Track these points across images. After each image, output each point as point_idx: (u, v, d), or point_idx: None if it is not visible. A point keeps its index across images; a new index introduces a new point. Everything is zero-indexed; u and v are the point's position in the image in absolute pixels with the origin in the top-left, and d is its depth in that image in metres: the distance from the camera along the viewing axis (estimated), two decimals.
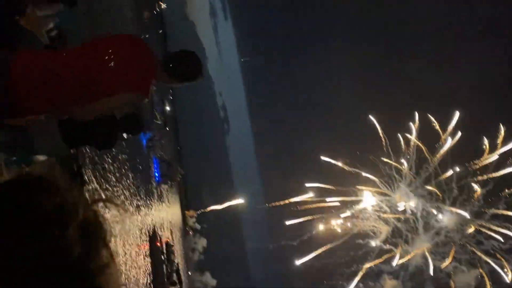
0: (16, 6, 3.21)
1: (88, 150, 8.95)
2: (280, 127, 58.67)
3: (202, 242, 47.41)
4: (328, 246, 35.50)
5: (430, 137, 31.11)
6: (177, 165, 47.70)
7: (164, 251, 22.10)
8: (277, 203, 38.96)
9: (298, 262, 37.42)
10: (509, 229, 28.85)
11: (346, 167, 34.00)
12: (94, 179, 9.73)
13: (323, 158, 35.33)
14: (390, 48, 42.44)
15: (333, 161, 34.75)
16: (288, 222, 39.31)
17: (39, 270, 0.45)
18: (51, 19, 3.90)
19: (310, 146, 46.09)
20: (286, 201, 37.89)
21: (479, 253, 29.89)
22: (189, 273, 41.43)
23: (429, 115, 30.60)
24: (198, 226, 48.85)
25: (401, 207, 32.63)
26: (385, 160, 32.37)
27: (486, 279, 29.55)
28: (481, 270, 29.75)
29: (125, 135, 3.87)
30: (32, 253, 0.45)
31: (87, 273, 0.50)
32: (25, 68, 2.30)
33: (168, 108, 44.61)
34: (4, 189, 0.53)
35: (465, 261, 30.43)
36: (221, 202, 55.67)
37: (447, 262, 30.62)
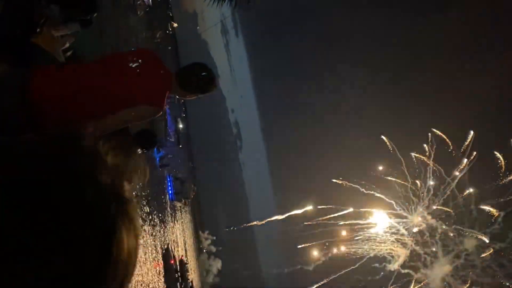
0: (33, 26, 3.28)
1: None
2: (294, 143, 58.57)
3: (217, 264, 46.79)
4: (344, 270, 34.84)
5: (445, 158, 30.63)
6: (191, 183, 47.79)
7: (178, 268, 22.00)
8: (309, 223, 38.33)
9: None
10: None
11: (362, 189, 33.61)
12: None
13: (334, 180, 35.02)
14: (402, 68, 42.12)
15: (346, 183, 34.38)
16: (299, 246, 39.09)
17: (79, 190, 0.50)
18: (68, 39, 3.98)
19: (324, 163, 45.85)
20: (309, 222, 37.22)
21: (501, 277, 29.02)
22: None
23: (443, 135, 30.24)
24: (213, 249, 48.35)
25: (418, 230, 32.04)
26: (398, 180, 32.02)
27: None
28: None
29: (139, 151, 3.88)
30: (73, 179, 0.50)
31: (120, 198, 0.54)
32: (42, 83, 2.35)
33: (181, 125, 44.94)
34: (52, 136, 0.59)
35: (487, 285, 29.54)
36: (234, 218, 55.35)
37: (466, 286, 29.80)
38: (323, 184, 38.86)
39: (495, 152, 28.55)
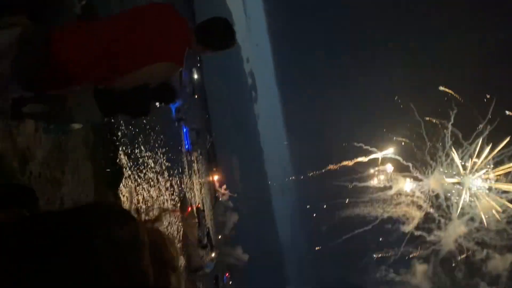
0: None
1: (122, 119, 9.18)
2: (309, 94, 57.79)
3: (233, 218, 47.68)
4: (357, 231, 35.44)
5: (467, 123, 29.83)
6: (206, 133, 48.21)
7: (196, 215, 22.83)
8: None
9: (317, 248, 38.31)
10: None
11: (379, 152, 33.44)
12: (127, 147, 10.02)
13: (356, 144, 34.67)
14: (424, 33, 39.86)
15: (364, 146, 34.17)
16: (308, 206, 39.95)
17: None
18: None
19: (340, 120, 45.31)
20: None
21: None
22: (219, 236, 42.50)
23: (457, 96, 29.38)
24: (231, 204, 49.27)
25: (435, 193, 31.92)
26: (415, 144, 31.73)
27: None
28: None
29: (157, 104, 3.94)
30: (113, 282, 0.46)
31: None
32: (65, 40, 2.37)
33: (196, 76, 44.61)
34: (81, 219, 0.52)
35: (501, 247, 29.73)
36: (249, 169, 55.92)
37: (479, 247, 30.07)
38: (338, 139, 38.71)
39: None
